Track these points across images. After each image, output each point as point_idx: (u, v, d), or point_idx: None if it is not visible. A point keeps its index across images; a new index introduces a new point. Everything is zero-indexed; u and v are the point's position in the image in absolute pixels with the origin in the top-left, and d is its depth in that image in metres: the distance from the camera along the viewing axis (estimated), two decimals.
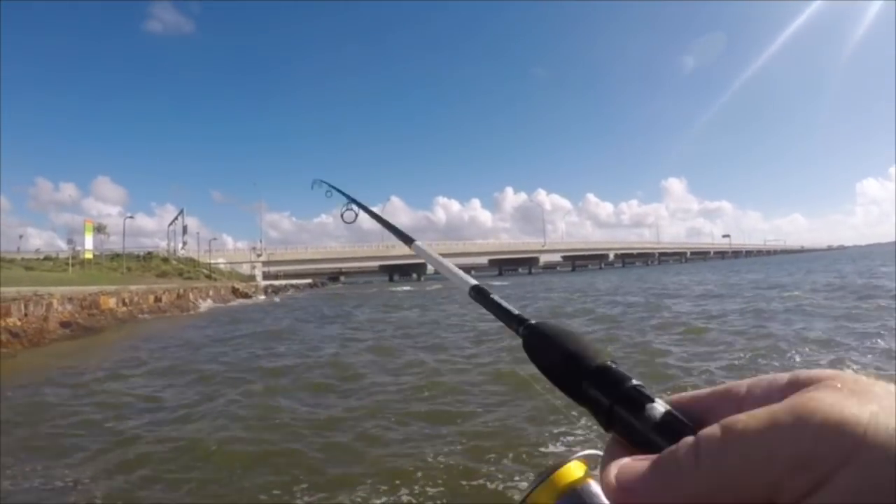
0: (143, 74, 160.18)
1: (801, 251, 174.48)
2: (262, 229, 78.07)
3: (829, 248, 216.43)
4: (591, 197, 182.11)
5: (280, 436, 5.50)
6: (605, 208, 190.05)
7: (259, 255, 63.32)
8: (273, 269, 64.87)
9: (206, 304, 32.34)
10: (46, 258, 42.25)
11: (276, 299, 39.19)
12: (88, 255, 41.55)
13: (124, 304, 23.71)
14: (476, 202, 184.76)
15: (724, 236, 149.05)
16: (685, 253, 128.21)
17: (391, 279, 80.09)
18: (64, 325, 17.79)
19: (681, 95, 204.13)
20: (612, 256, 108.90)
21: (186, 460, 4.95)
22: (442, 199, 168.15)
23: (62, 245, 51.12)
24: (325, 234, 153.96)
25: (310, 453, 4.99)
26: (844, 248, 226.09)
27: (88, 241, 42.57)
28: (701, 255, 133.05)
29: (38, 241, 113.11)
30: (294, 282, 63.42)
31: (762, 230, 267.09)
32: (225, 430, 5.71)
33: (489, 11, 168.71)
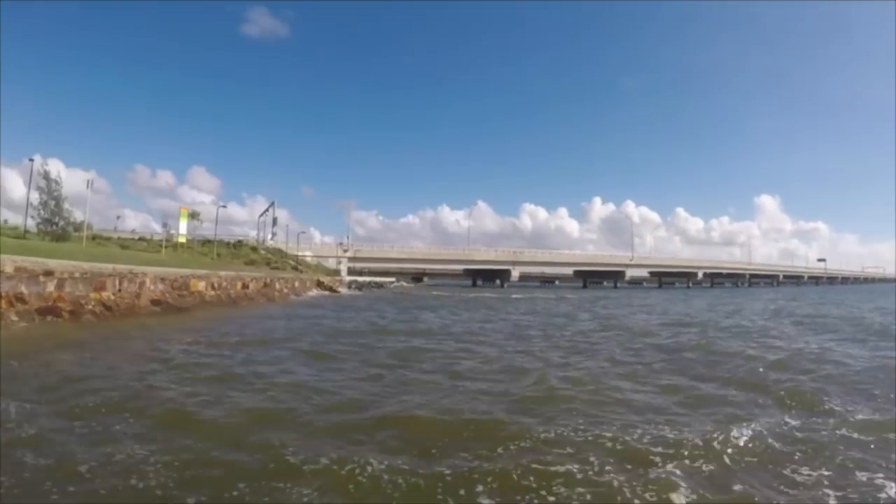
0: (241, 76, 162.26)
1: None
2: (350, 226, 75.34)
3: None
4: (680, 211, 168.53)
5: None
6: (695, 224, 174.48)
7: (345, 251, 60.07)
8: (358, 265, 62.18)
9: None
10: (141, 239, 41.94)
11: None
12: (182, 240, 41.03)
13: (213, 288, 23.71)
14: (563, 211, 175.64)
15: (820, 260, 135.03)
16: (777, 276, 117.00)
17: (474, 284, 75.33)
18: (155, 302, 17.85)
19: (777, 109, 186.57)
20: (700, 275, 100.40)
21: None
22: (529, 207, 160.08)
23: (156, 227, 51.53)
24: (412, 234, 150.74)
25: None
26: None
27: (182, 226, 42.22)
28: (794, 280, 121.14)
29: (133, 222, 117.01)
30: (378, 279, 59.79)
31: (859, 255, 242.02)
32: None
33: (578, 16, 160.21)
